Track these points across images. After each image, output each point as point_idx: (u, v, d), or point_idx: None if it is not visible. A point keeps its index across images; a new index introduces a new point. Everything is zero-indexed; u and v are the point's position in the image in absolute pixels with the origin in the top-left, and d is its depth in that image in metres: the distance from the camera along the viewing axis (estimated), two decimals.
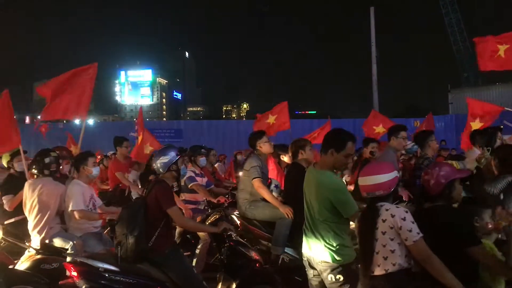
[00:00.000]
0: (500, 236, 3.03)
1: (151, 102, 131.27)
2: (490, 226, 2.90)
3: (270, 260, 4.68)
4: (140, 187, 6.51)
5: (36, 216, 4.47)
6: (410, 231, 2.58)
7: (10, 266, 4.35)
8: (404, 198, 4.94)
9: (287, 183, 5.12)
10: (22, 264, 4.25)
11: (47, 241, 4.43)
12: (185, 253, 4.88)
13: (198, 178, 6.05)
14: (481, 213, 3.06)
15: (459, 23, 39.94)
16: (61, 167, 4.90)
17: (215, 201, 5.72)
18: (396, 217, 2.64)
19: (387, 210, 2.71)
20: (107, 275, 3.41)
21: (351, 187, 6.01)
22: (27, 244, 4.50)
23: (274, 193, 5.27)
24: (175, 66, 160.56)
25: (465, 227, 2.65)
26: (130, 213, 3.56)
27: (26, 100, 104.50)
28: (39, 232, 4.45)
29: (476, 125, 7.00)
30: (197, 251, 4.77)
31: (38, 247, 4.35)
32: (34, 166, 4.66)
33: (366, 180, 2.88)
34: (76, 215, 4.43)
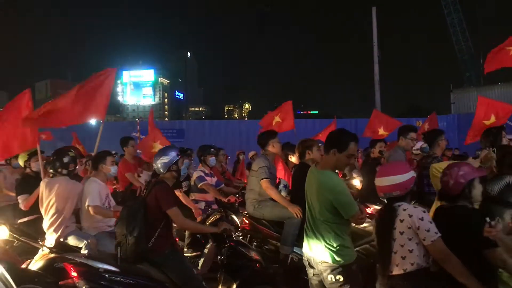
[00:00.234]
0: None
1: (153, 102, 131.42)
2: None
3: (279, 259, 4.69)
4: None
5: (52, 215, 4.52)
6: (428, 230, 2.60)
7: (23, 265, 4.38)
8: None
9: (294, 183, 5.12)
10: (36, 263, 4.27)
11: (61, 240, 4.46)
12: (194, 253, 4.89)
13: (207, 178, 6.06)
14: (503, 213, 3.05)
15: (461, 23, 39.87)
16: (77, 166, 4.94)
17: (225, 200, 5.73)
18: (414, 217, 2.66)
19: (404, 210, 2.72)
20: (107, 275, 3.41)
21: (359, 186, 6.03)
22: (40, 243, 4.53)
23: (282, 193, 5.28)
24: (177, 66, 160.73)
25: (481, 228, 2.64)
26: (129, 213, 3.55)
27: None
28: (55, 231, 4.50)
29: (490, 122, 6.98)
30: (205, 250, 4.79)
31: (52, 246, 4.37)
32: (51, 165, 4.69)
33: (383, 181, 2.90)
34: (91, 210, 4.48)
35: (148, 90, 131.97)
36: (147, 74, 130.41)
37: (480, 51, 40.94)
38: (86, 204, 4.53)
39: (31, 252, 4.83)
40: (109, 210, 4.62)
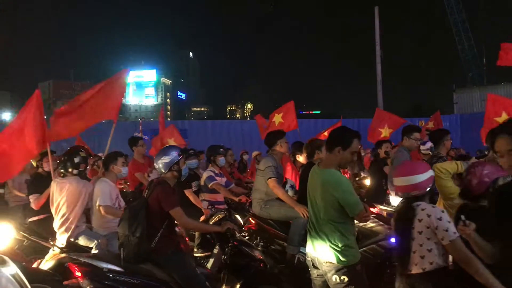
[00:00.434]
0: None
1: (155, 102, 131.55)
2: None
3: (285, 259, 4.69)
4: None
5: (63, 215, 4.56)
6: (447, 230, 2.60)
7: (35, 265, 4.42)
8: None
9: (302, 183, 5.13)
10: (46, 263, 4.29)
11: (72, 240, 4.49)
12: (204, 253, 4.91)
13: (217, 178, 6.06)
14: None
15: (464, 23, 39.79)
16: (88, 167, 4.98)
17: (236, 199, 5.74)
18: (432, 217, 2.66)
19: (423, 210, 2.73)
20: (111, 275, 3.42)
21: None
22: (50, 242, 4.55)
23: (289, 193, 5.28)
24: (179, 66, 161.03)
25: None
26: (131, 214, 3.56)
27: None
28: (66, 231, 4.53)
29: (502, 119, 6.98)
30: (215, 250, 4.83)
31: (63, 246, 4.40)
32: (62, 165, 4.72)
33: (401, 181, 2.90)
34: (102, 210, 4.52)
35: (151, 90, 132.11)
36: (149, 74, 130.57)
37: (483, 51, 40.99)
38: (97, 204, 4.56)
39: (41, 252, 4.90)
40: (120, 210, 4.64)
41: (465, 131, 21.75)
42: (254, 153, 11.42)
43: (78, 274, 3.39)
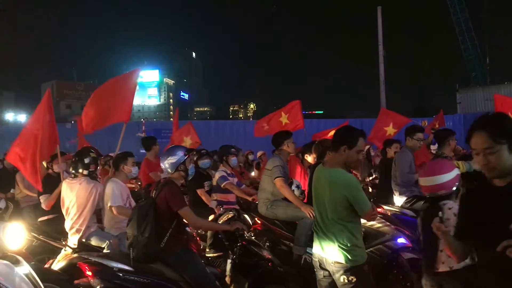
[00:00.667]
0: None
1: (158, 103, 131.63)
2: None
3: (292, 260, 4.69)
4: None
5: (74, 215, 4.60)
6: None
7: (46, 265, 4.46)
8: None
9: (311, 183, 5.13)
10: (58, 263, 4.32)
11: (84, 240, 4.53)
12: (216, 254, 4.92)
13: (229, 178, 6.07)
14: None
15: (467, 22, 39.66)
16: (98, 167, 5.03)
17: (250, 199, 5.74)
18: None
19: (450, 209, 2.74)
20: (121, 274, 3.46)
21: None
22: (62, 242, 4.58)
23: (295, 193, 5.28)
24: (182, 67, 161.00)
25: None
26: (140, 214, 3.58)
27: (34, 100, 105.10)
28: (77, 231, 4.57)
29: None
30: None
31: (75, 246, 4.43)
32: (73, 166, 4.75)
33: (428, 181, 2.93)
34: (114, 211, 4.54)
35: (153, 91, 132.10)
36: (152, 75, 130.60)
37: (486, 51, 40.86)
38: (109, 204, 4.58)
39: (51, 251, 4.95)
40: (131, 210, 4.66)
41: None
42: (259, 153, 11.45)
43: (89, 273, 3.44)
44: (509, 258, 1.68)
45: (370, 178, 7.91)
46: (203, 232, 5.36)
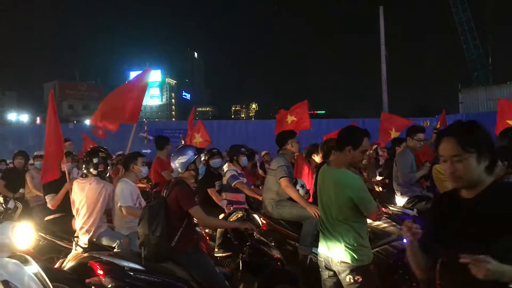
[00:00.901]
0: None
1: (160, 103, 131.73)
2: None
3: (297, 260, 4.70)
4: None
5: (84, 215, 4.62)
6: None
7: (57, 265, 4.50)
8: None
9: (316, 182, 5.14)
10: (69, 262, 4.35)
11: (94, 240, 4.54)
12: (225, 254, 4.94)
13: (240, 178, 6.09)
14: None
15: (469, 22, 39.61)
16: (109, 167, 5.06)
17: (260, 199, 5.76)
18: None
19: None
20: (132, 273, 3.49)
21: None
22: (69, 242, 4.64)
23: (300, 192, 5.29)
24: (184, 67, 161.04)
25: None
26: (151, 214, 3.61)
27: (37, 100, 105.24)
28: (87, 231, 4.59)
29: None
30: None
31: (86, 245, 4.45)
32: (84, 166, 4.79)
33: None
34: (124, 211, 4.56)
35: (155, 91, 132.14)
36: (154, 75, 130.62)
37: (488, 51, 40.78)
38: (119, 204, 4.60)
39: (58, 251, 5.04)
40: (141, 210, 4.68)
41: None
42: (263, 153, 11.47)
43: (100, 272, 3.47)
44: (472, 274, 1.59)
45: (380, 178, 7.92)
46: (212, 232, 5.39)
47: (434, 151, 6.86)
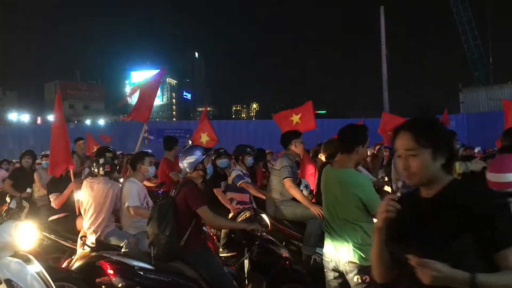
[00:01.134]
0: None
1: (160, 103, 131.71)
2: None
3: (301, 260, 4.70)
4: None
5: (91, 214, 4.64)
6: None
7: (64, 264, 4.55)
8: None
9: (319, 183, 5.13)
10: (76, 262, 4.38)
11: (102, 239, 4.57)
12: (230, 254, 4.96)
13: (245, 178, 6.10)
14: None
15: (470, 22, 39.57)
16: (117, 167, 5.09)
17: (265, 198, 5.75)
18: None
19: None
20: (142, 273, 3.52)
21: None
22: (80, 241, 4.62)
23: (303, 193, 5.29)
24: (184, 67, 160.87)
25: None
26: (160, 213, 3.64)
27: (37, 100, 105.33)
28: (95, 231, 4.60)
29: None
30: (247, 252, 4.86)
31: (93, 245, 4.48)
32: (94, 165, 4.82)
33: (496, 177, 2.94)
34: (132, 211, 4.58)
35: None
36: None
37: (489, 51, 40.74)
38: (126, 204, 4.62)
39: (62, 251, 5.07)
40: (149, 210, 4.68)
41: (472, 130, 21.67)
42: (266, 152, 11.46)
43: (110, 271, 3.50)
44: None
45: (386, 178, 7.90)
46: (217, 232, 5.40)
47: None
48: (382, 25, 26.04)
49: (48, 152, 6.51)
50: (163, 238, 3.54)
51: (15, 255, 2.96)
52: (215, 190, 5.99)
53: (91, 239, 4.55)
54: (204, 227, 4.28)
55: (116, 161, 4.94)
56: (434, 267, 1.49)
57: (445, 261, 1.51)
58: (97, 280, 3.64)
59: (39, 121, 56.74)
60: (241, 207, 5.46)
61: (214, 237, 5.32)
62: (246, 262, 4.44)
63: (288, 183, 4.84)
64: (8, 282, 2.73)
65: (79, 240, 4.75)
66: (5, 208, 5.80)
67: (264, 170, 9.12)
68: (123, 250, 4.34)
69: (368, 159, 7.91)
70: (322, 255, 4.56)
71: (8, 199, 6.51)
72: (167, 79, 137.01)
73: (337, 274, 3.15)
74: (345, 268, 3.07)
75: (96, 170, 4.78)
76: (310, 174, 5.96)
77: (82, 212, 4.76)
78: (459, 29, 40.25)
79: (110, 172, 4.82)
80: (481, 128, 20.52)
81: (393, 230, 1.78)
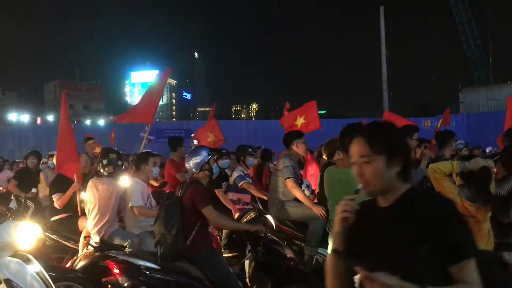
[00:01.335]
0: None
1: (160, 103, 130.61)
2: None
3: (303, 260, 4.71)
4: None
5: (95, 215, 4.66)
6: None
7: (68, 264, 4.59)
8: None
9: (321, 183, 5.12)
10: (81, 261, 4.40)
11: (106, 239, 4.59)
12: (231, 254, 4.97)
13: (246, 178, 6.12)
14: None
15: (470, 22, 39.57)
16: (122, 168, 5.11)
17: (266, 198, 5.75)
18: None
19: None
20: (148, 272, 3.55)
21: None
22: (85, 241, 4.62)
23: (305, 193, 5.29)
24: (184, 67, 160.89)
25: None
26: (167, 213, 3.68)
27: (37, 100, 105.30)
28: (99, 230, 4.63)
29: None
30: (248, 252, 4.86)
31: (97, 245, 4.50)
32: (99, 166, 4.86)
33: None
34: (136, 211, 4.61)
35: None
36: (154, 75, 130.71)
37: (489, 51, 40.75)
38: (130, 204, 4.65)
39: (65, 251, 5.10)
40: (152, 209, 4.70)
41: (472, 130, 21.70)
42: None
43: (116, 271, 3.53)
44: None
45: None
46: (218, 232, 5.41)
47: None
48: (382, 25, 26.05)
49: (54, 152, 6.54)
50: (170, 238, 3.58)
51: (15, 255, 2.96)
52: (216, 191, 5.99)
53: (95, 239, 4.58)
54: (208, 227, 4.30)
55: (120, 162, 4.94)
56: (381, 280, 1.41)
57: (400, 273, 1.43)
58: (103, 279, 3.67)
59: (38, 121, 56.74)
60: (246, 207, 5.46)
61: (218, 237, 5.33)
62: (247, 262, 4.44)
63: (290, 183, 4.84)
64: (7, 282, 2.74)
65: (81, 240, 4.77)
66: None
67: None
68: (126, 250, 4.36)
69: None
70: (324, 255, 4.59)
71: (12, 199, 6.53)
72: (167, 79, 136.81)
73: None
74: None
75: (101, 170, 4.81)
76: (311, 175, 5.96)
77: (87, 212, 4.78)
78: (459, 29, 40.25)
79: (113, 173, 4.84)
80: (481, 128, 20.55)
81: (349, 240, 1.69)
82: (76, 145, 5.62)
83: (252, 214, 4.66)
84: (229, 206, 5.71)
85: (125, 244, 4.46)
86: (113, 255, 3.76)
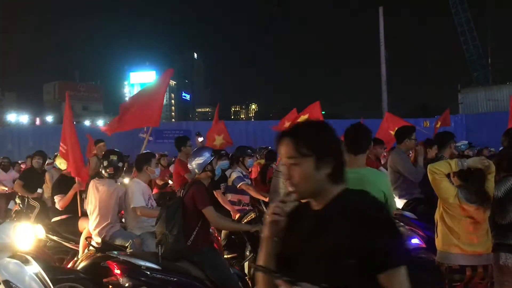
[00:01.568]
0: None
1: None
2: None
3: None
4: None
5: (97, 215, 4.68)
6: None
7: (69, 265, 4.60)
8: None
9: None
10: (82, 262, 4.42)
11: (107, 239, 4.61)
12: (231, 255, 4.96)
13: (245, 179, 6.13)
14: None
15: (469, 23, 39.60)
16: (124, 169, 5.12)
17: (266, 199, 5.75)
18: None
19: None
20: (149, 273, 3.56)
21: None
22: (86, 242, 4.63)
23: None
24: (183, 67, 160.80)
25: None
26: (168, 213, 3.71)
27: (36, 101, 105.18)
28: (100, 231, 4.65)
29: None
30: (248, 253, 4.85)
31: (98, 245, 4.51)
32: (101, 167, 4.88)
33: None
34: (137, 211, 4.63)
35: None
36: (153, 75, 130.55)
37: (488, 51, 40.78)
38: (131, 205, 4.66)
39: (66, 252, 5.11)
40: (154, 210, 4.71)
41: (471, 131, 21.70)
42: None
43: (117, 271, 3.54)
44: None
45: None
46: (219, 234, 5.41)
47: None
48: (381, 26, 26.00)
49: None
50: (171, 238, 3.61)
51: (14, 256, 2.96)
52: (215, 192, 5.98)
53: (96, 240, 4.60)
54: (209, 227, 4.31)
55: (121, 163, 4.94)
56: None
57: (328, 282, 1.38)
58: (104, 280, 3.69)
59: (38, 122, 56.74)
60: (246, 208, 5.46)
61: (219, 238, 5.33)
62: (246, 264, 4.43)
63: None
64: (6, 283, 2.74)
65: (81, 241, 4.77)
66: (15, 208, 5.81)
67: None
68: (128, 250, 4.38)
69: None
70: None
71: (17, 200, 6.53)
72: None
73: None
74: None
75: (102, 172, 4.83)
76: None
77: (88, 212, 4.80)
78: (458, 30, 40.28)
79: (114, 175, 4.85)
80: (480, 129, 20.56)
81: (281, 245, 1.59)
82: (79, 147, 5.62)
83: (253, 215, 4.66)
84: (228, 207, 5.72)
85: (126, 245, 4.48)
86: (114, 255, 3.78)
